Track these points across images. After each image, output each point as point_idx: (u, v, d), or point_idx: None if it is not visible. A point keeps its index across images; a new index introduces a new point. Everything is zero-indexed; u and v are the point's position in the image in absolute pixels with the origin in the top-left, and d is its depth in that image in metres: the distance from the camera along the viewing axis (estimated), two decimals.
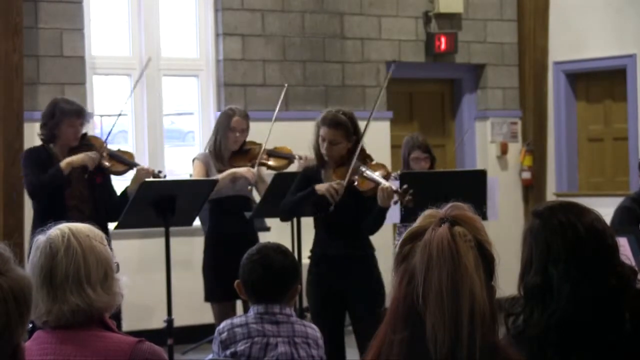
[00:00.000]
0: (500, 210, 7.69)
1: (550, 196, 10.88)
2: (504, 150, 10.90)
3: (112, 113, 9.60)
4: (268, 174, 7.14)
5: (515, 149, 11.01)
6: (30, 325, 2.27)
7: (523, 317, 2.75)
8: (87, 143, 6.55)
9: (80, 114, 6.47)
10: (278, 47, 9.67)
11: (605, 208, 3.88)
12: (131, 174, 6.69)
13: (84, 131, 6.60)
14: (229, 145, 7.00)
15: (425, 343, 2.17)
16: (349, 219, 5.86)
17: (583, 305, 2.70)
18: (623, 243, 4.15)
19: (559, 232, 2.75)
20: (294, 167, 7.25)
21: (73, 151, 6.49)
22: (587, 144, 11.13)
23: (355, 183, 5.91)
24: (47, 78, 8.61)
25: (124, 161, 6.66)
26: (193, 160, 7.19)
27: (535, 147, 10.96)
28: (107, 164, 6.56)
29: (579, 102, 11.14)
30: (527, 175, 10.93)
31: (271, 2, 9.64)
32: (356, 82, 10.05)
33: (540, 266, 2.75)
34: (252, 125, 7.15)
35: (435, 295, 2.17)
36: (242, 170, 6.91)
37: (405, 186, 5.82)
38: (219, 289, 6.87)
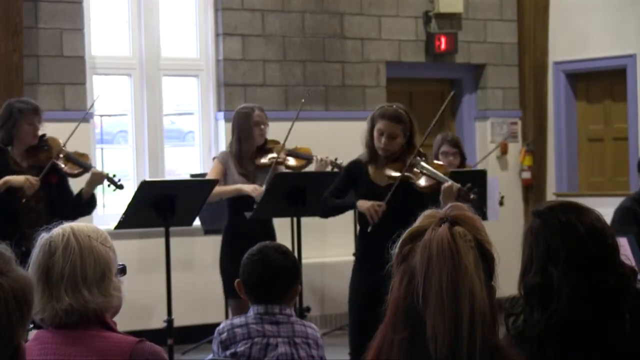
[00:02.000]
0: (500, 210, 7.69)
1: (550, 196, 10.88)
2: (504, 150, 10.90)
3: (111, 113, 9.62)
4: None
5: (515, 149, 11.01)
6: (31, 325, 2.26)
7: (523, 317, 2.75)
8: (44, 144, 6.56)
9: (37, 111, 6.50)
10: (278, 47, 9.68)
11: (605, 208, 3.87)
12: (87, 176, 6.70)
13: (42, 132, 6.59)
14: (255, 140, 7.01)
15: (425, 343, 2.17)
16: (395, 221, 5.80)
17: (583, 305, 2.70)
18: (623, 243, 4.15)
19: (559, 232, 2.75)
20: (311, 168, 7.26)
21: (31, 151, 6.50)
22: (587, 144, 11.13)
23: (413, 180, 5.91)
24: (47, 78, 8.61)
25: (79, 163, 6.65)
26: (213, 159, 7.22)
27: (535, 147, 10.96)
28: (62, 165, 6.57)
29: (579, 102, 11.14)
30: (527, 175, 10.93)
31: (271, 2, 9.64)
32: (356, 82, 10.05)
33: (541, 266, 2.75)
34: None
35: (435, 295, 2.17)
36: (248, 188, 6.89)
37: (468, 184, 5.87)
38: None
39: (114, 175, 6.67)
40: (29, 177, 6.35)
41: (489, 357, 2.17)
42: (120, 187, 6.65)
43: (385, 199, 5.81)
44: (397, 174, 5.88)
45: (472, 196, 5.79)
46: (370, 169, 5.97)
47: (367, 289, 5.85)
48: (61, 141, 6.64)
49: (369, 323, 5.86)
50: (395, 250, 2.29)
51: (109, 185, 6.66)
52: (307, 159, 7.19)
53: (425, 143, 6.36)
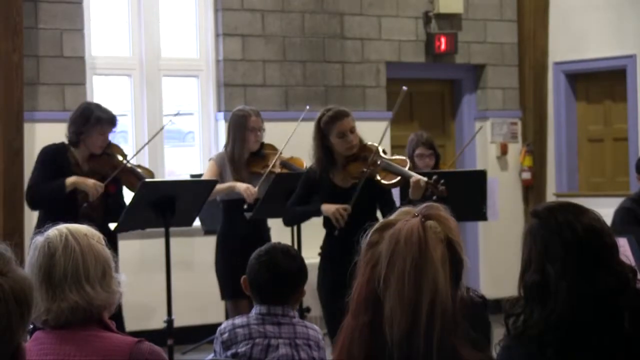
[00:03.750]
0: (500, 210, 7.69)
1: (550, 196, 10.88)
2: (504, 150, 10.90)
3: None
4: None
5: (515, 149, 11.01)
6: (31, 326, 2.27)
7: (523, 318, 2.75)
8: (109, 152, 6.51)
9: (113, 123, 6.45)
10: (278, 47, 9.68)
11: (605, 208, 3.88)
12: None
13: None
14: (250, 145, 6.96)
15: (383, 327, 2.16)
16: (361, 219, 5.78)
17: (582, 305, 2.70)
18: (623, 243, 4.15)
19: (557, 232, 2.75)
20: None
21: (94, 156, 6.46)
22: (587, 144, 11.13)
23: (378, 177, 5.86)
24: (47, 78, 8.61)
25: (141, 177, 6.59)
26: (209, 160, 7.21)
27: (535, 147, 10.95)
28: (124, 177, 6.54)
29: (579, 102, 11.14)
30: (527, 175, 10.93)
31: (271, 2, 9.64)
32: (356, 82, 10.05)
33: (539, 265, 2.75)
34: None
35: (396, 278, 2.16)
36: (241, 187, 6.85)
37: (435, 177, 5.82)
38: (234, 286, 6.84)
39: None
40: (96, 182, 6.32)
41: (447, 354, 2.16)
42: None
43: (351, 202, 5.76)
44: (362, 173, 5.81)
45: (440, 187, 5.75)
46: (333, 174, 5.92)
47: (337, 297, 5.81)
48: (125, 151, 6.63)
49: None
50: (366, 238, 2.29)
51: None
52: (299, 172, 7.13)
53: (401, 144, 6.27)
